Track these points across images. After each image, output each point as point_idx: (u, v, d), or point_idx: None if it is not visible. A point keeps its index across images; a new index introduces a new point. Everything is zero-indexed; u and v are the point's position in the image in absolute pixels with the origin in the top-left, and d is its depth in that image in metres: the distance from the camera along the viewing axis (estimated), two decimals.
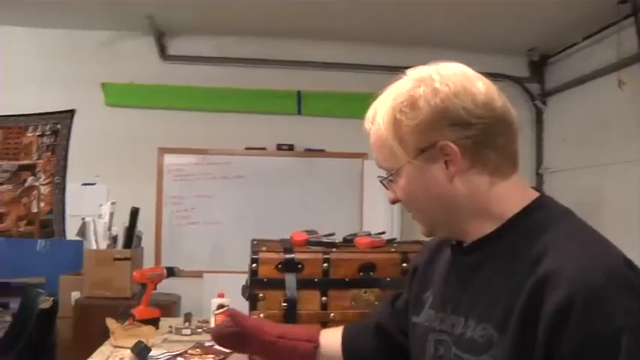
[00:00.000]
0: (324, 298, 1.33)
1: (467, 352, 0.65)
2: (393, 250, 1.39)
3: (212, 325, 1.79)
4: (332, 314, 1.33)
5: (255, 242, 1.42)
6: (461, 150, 0.66)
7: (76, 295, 2.84)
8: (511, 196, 0.68)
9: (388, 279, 1.32)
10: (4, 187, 3.49)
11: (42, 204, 3.52)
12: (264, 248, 1.36)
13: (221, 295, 1.84)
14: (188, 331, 1.74)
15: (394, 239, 1.53)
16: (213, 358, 1.37)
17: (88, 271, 2.79)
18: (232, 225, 3.50)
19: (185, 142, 3.48)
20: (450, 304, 0.71)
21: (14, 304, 2.85)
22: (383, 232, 1.53)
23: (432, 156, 0.67)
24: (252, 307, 1.32)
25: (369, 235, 1.47)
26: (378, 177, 0.74)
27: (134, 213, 2.84)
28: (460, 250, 0.72)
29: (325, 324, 1.30)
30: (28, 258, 3.36)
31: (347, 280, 1.34)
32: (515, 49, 3.52)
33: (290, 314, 1.30)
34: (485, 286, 0.66)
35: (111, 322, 1.59)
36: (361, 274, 1.33)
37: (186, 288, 3.12)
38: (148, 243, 3.22)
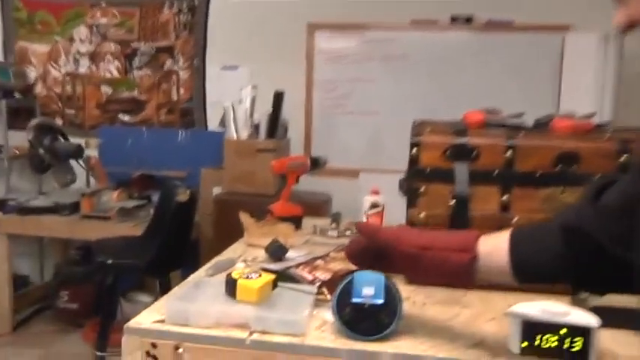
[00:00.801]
0: (505, 197, 1.24)
1: None
2: (606, 137, 1.24)
3: None
4: (515, 218, 1.24)
5: (417, 123, 1.35)
6: None
7: (217, 190, 3.07)
8: None
9: (598, 175, 1.18)
10: (144, 71, 3.80)
11: (181, 90, 3.79)
12: (428, 130, 1.29)
13: (375, 192, 1.81)
14: (334, 233, 1.74)
15: (607, 123, 1.31)
16: None
17: (229, 164, 2.97)
18: (393, 115, 3.47)
19: (338, 16, 3.43)
20: None
21: (157, 197, 3.16)
22: (593, 114, 1.31)
23: None
24: (411, 204, 1.28)
25: (572, 116, 1.27)
26: None
27: (278, 97, 2.91)
28: None
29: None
30: (169, 149, 3.68)
31: (538, 174, 1.24)
32: None
33: (459, 215, 1.24)
34: None
35: (245, 218, 1.64)
36: (559, 167, 1.22)
37: (339, 188, 3.21)
38: (295, 134, 3.34)
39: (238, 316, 0.98)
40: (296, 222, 1.73)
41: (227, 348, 0.96)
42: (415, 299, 0.99)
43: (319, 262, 1.33)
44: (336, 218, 1.90)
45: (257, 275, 1.04)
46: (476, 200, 1.25)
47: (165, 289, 2.72)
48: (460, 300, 1.20)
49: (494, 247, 0.87)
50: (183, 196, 2.63)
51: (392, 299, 0.97)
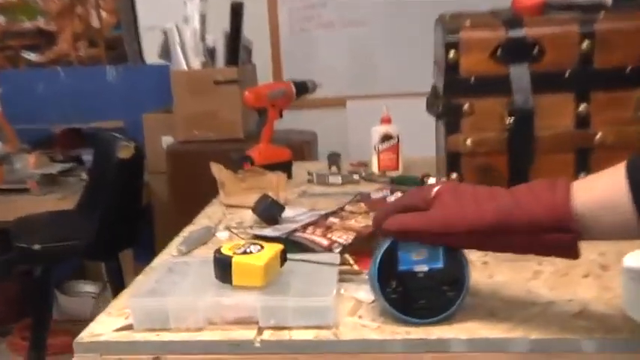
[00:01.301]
0: (582, 106, 1.23)
1: None
2: None
3: (374, 167, 1.81)
4: (598, 134, 1.23)
5: (448, 17, 1.31)
6: None
7: (167, 140, 3.02)
8: None
9: None
10: None
11: (104, 14, 3.65)
12: (467, 23, 1.24)
13: (386, 120, 1.80)
14: (337, 179, 1.73)
15: None
16: None
17: (180, 105, 2.92)
18: (386, 25, 3.40)
19: None
20: None
21: (88, 155, 3.11)
22: None
23: None
24: (451, 128, 1.26)
25: None
26: None
27: (236, 10, 2.83)
28: None
29: (584, 154, 1.23)
30: (97, 94, 3.59)
31: (628, 69, 1.21)
32: None
33: (519, 138, 1.23)
34: None
35: (218, 171, 1.59)
36: None
37: (323, 122, 3.20)
38: (260, 60, 3.27)
39: (239, 309, 0.91)
40: (285, 170, 1.68)
41: (228, 356, 0.89)
42: (471, 257, 0.93)
43: (333, 219, 1.25)
44: (334, 160, 1.88)
45: (258, 248, 0.94)
46: (542, 114, 1.22)
47: (114, 274, 2.71)
48: None
49: (604, 197, 0.79)
50: (125, 152, 2.58)
51: (455, 262, 0.88)
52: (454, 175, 1.24)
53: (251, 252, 0.93)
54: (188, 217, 1.50)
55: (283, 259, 0.97)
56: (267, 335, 0.88)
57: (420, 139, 1.64)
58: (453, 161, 1.25)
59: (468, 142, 1.24)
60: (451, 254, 0.87)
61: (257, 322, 0.90)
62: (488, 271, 1.07)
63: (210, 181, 1.63)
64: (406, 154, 1.80)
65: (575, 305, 0.93)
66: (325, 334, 0.88)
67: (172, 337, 0.89)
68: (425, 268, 0.87)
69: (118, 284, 2.68)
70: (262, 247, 0.94)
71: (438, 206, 0.85)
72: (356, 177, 1.74)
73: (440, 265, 0.87)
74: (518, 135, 1.22)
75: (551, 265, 1.07)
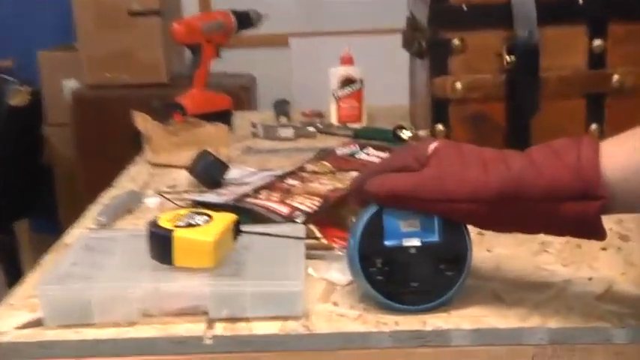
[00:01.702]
0: (596, 42, 1.24)
1: None
2: None
3: (332, 117, 1.81)
4: (615, 76, 1.23)
5: None
6: None
7: (70, 85, 2.97)
8: None
9: None
10: None
11: None
12: None
13: (347, 61, 1.78)
14: (290, 132, 1.74)
15: None
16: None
17: (86, 41, 2.88)
18: None
19: None
20: None
21: None
22: None
23: None
24: (437, 69, 1.25)
25: None
26: None
27: None
28: None
29: (598, 100, 1.24)
30: None
31: None
32: None
33: (520, 80, 1.23)
34: None
35: (144, 122, 1.56)
36: None
37: (263, 64, 3.21)
38: None
39: (183, 298, 0.87)
40: (225, 121, 1.67)
41: (169, 357, 0.84)
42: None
43: (291, 181, 1.23)
44: (283, 109, 1.91)
45: (205, 218, 0.89)
46: (549, 52, 1.23)
47: (8, 252, 2.66)
48: None
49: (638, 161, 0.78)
50: (17, 98, 2.54)
51: (454, 234, 0.85)
52: (440, 127, 1.24)
53: (197, 224, 0.88)
54: (99, 180, 1.48)
55: (237, 232, 0.92)
56: (219, 329, 0.84)
57: (381, 84, 1.62)
58: (438, 110, 1.25)
59: (458, 85, 1.23)
60: (449, 223, 0.84)
61: (206, 313, 0.86)
62: (485, 243, 1.04)
63: (128, 135, 1.63)
64: (368, 102, 1.80)
65: (598, 285, 0.91)
66: (293, 327, 0.84)
67: (97, 334, 0.85)
68: (417, 242, 0.84)
69: (11, 263, 2.64)
70: (210, 217, 0.90)
71: (435, 166, 0.82)
72: (311, 129, 1.75)
73: (436, 237, 0.84)
74: (519, 77, 1.22)
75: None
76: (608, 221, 1.08)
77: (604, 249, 1.01)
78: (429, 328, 0.82)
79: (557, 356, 0.82)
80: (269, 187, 1.19)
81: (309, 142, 1.69)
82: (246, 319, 0.85)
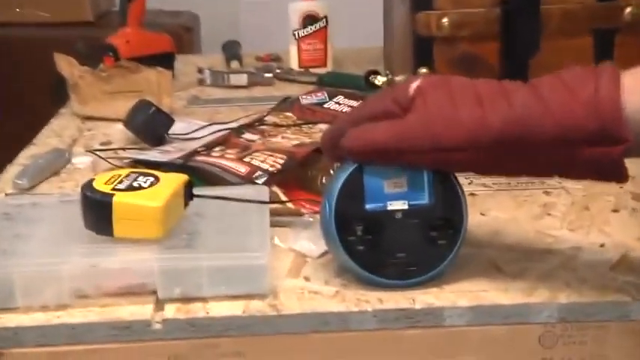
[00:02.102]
0: None
1: None
2: None
3: (292, 62, 1.81)
4: (627, 9, 1.24)
5: None
6: None
7: None
8: None
9: None
10: None
11: None
12: None
13: None
14: (243, 79, 1.73)
15: None
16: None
17: None
18: None
19: None
20: None
21: None
22: None
23: None
24: (419, 3, 1.25)
25: None
26: None
27: None
28: None
29: (607, 37, 1.25)
30: None
31: None
32: None
33: (518, 14, 1.23)
34: None
35: (69, 66, 1.54)
36: None
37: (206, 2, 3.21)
38: None
39: (126, 275, 0.85)
40: (166, 65, 1.64)
41: (111, 345, 0.82)
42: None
43: (249, 136, 1.22)
44: (233, 52, 1.93)
45: (150, 180, 0.87)
46: None
47: None
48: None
49: None
50: None
51: (447, 194, 0.84)
52: (423, 70, 1.23)
53: (140, 187, 0.86)
54: (16, 137, 1.48)
55: (189, 196, 0.90)
56: (170, 312, 0.82)
57: (349, 22, 1.60)
58: (421, 51, 1.25)
59: (445, 21, 1.23)
60: (441, 182, 0.83)
61: (154, 293, 0.83)
62: (478, 205, 1.05)
63: (49, 83, 1.62)
64: (335, 43, 1.81)
65: (611, 252, 0.90)
66: (259, 307, 0.82)
67: (20, 321, 0.82)
68: (404, 204, 0.82)
69: None
70: (157, 178, 0.87)
71: (421, 109, 0.80)
72: (268, 76, 1.74)
73: (425, 199, 0.82)
74: (516, 11, 1.22)
75: (565, 193, 1.06)
76: (627, 184, 1.10)
77: (616, 210, 1.02)
78: (418, 305, 0.81)
79: (568, 336, 0.82)
80: (223, 142, 1.18)
81: (266, 90, 1.68)
82: (203, 299, 0.82)
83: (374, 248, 0.82)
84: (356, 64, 1.69)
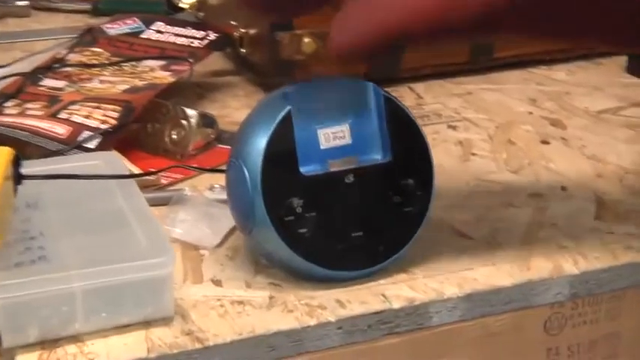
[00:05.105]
0: None
1: None
2: None
3: None
4: None
5: None
6: None
7: None
8: None
9: None
10: None
11: None
12: None
13: None
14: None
15: None
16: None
17: None
18: None
19: None
20: None
21: None
22: None
23: None
24: None
25: None
26: None
27: None
28: None
29: None
30: None
31: None
32: None
33: None
34: None
35: None
36: None
37: None
38: None
39: None
40: None
41: None
42: None
43: (51, 82, 0.94)
44: None
45: None
46: None
47: None
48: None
49: None
50: None
51: (410, 144, 0.64)
52: None
53: None
54: None
55: (18, 178, 0.60)
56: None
57: None
58: None
59: None
60: (400, 127, 0.62)
61: None
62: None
63: None
64: None
65: (579, 196, 0.76)
66: (169, 339, 0.54)
67: None
68: (353, 162, 0.61)
69: None
70: None
71: None
72: (22, 4, 1.48)
73: (379, 155, 0.61)
74: None
75: (473, 126, 0.89)
76: (537, 109, 0.95)
77: (546, 142, 0.86)
78: (395, 305, 0.58)
79: (579, 315, 0.64)
80: (17, 94, 0.89)
81: (20, 22, 1.42)
82: (77, 339, 0.54)
83: (320, 229, 0.60)
84: None
